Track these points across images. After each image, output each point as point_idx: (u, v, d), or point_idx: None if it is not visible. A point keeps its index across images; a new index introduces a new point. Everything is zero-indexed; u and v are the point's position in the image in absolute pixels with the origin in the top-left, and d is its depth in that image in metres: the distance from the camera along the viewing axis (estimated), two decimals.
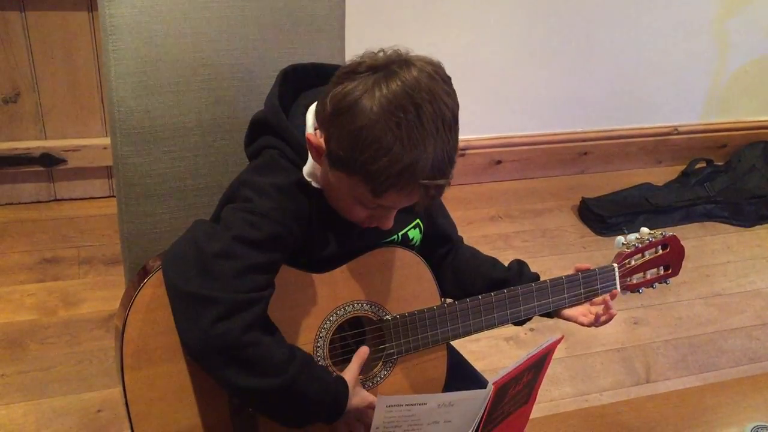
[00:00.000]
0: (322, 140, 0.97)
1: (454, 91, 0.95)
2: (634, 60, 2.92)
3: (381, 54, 0.94)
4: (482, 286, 1.19)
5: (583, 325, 1.19)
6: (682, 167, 3.11)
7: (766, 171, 3.06)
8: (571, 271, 1.21)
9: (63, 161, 2.37)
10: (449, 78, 0.95)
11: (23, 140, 2.33)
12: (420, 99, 0.90)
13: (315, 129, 1.00)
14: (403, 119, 0.89)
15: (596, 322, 1.18)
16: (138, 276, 1.04)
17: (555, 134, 2.96)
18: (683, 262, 1.31)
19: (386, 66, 0.92)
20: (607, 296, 1.19)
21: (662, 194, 2.89)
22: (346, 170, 0.94)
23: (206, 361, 0.93)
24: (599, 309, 1.19)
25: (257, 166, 1.03)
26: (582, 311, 1.20)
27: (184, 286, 0.92)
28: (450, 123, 0.92)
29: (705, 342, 2.25)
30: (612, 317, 1.18)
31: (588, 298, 1.20)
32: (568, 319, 1.20)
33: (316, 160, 1.00)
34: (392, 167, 0.90)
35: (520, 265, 1.22)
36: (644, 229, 1.27)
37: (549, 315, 1.21)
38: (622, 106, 3.01)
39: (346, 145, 0.92)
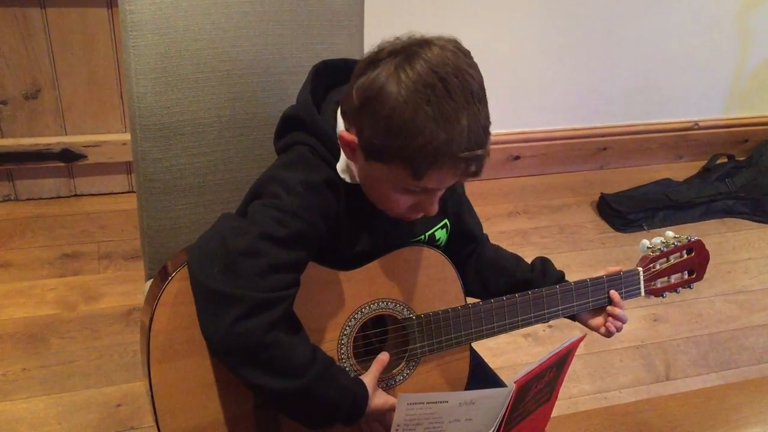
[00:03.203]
0: (354, 135, 0.96)
1: (476, 64, 0.94)
2: (654, 54, 2.89)
3: (398, 40, 0.93)
4: (505, 285, 1.18)
5: (603, 335, 1.19)
6: (702, 162, 3.08)
7: None
8: (595, 268, 1.20)
9: (83, 157, 2.39)
10: (469, 52, 0.94)
11: (43, 136, 2.35)
12: (445, 74, 0.89)
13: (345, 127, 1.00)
14: (432, 95, 0.88)
15: (609, 335, 1.18)
16: (159, 275, 1.04)
17: (574, 129, 2.94)
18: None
19: (406, 48, 0.92)
20: (609, 308, 1.18)
21: (682, 190, 2.86)
22: (383, 159, 0.93)
23: (227, 359, 0.92)
24: (609, 322, 1.18)
25: (287, 162, 1.02)
26: (602, 323, 1.19)
27: (208, 283, 0.91)
28: (478, 94, 0.91)
29: (726, 339, 2.23)
30: (620, 325, 1.17)
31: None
32: (590, 328, 1.20)
33: (350, 157, 0.99)
34: (429, 145, 0.89)
35: (543, 264, 1.21)
36: (669, 233, 1.25)
37: (573, 318, 1.21)
38: (642, 101, 2.99)
39: (379, 133, 0.91)
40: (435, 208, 1.00)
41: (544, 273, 1.20)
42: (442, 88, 0.88)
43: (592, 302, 1.17)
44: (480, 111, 0.91)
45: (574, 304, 1.16)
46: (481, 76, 0.93)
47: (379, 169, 0.95)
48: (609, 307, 1.18)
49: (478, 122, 0.91)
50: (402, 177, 0.94)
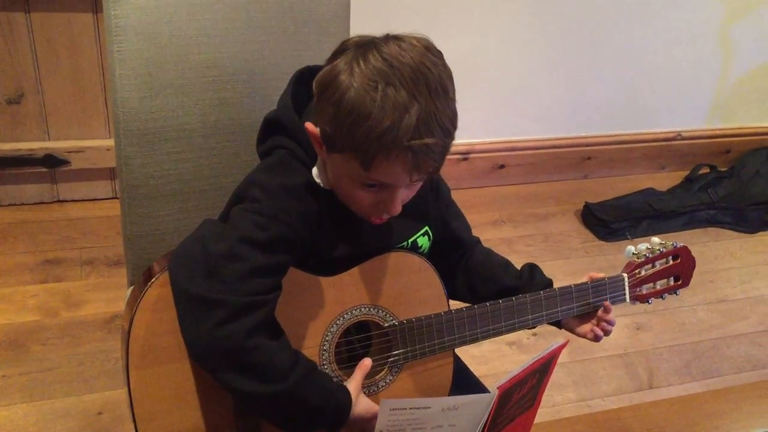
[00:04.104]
0: (317, 127, 0.96)
1: (445, 64, 0.93)
2: (638, 65, 2.92)
3: (369, 36, 0.94)
4: (493, 291, 1.17)
5: (591, 341, 1.19)
6: (685, 173, 3.11)
7: None
8: (580, 277, 1.20)
9: (66, 162, 2.37)
10: (440, 52, 0.94)
11: (27, 141, 2.33)
12: (399, 64, 0.89)
13: None
14: (381, 82, 0.88)
15: (598, 340, 1.18)
16: (143, 277, 1.03)
17: (559, 139, 2.96)
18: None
19: (370, 42, 0.92)
20: (600, 312, 1.18)
21: (666, 200, 2.88)
22: (337, 148, 0.93)
23: (208, 364, 0.92)
24: (597, 328, 1.18)
25: (267, 166, 1.02)
26: (589, 329, 1.19)
27: (189, 287, 0.91)
28: (437, 89, 0.90)
29: (708, 348, 2.25)
30: (609, 329, 1.18)
31: (598, 307, 1.19)
32: (578, 335, 1.20)
33: (319, 152, 0.99)
34: (374, 131, 0.87)
35: (531, 271, 1.20)
36: (655, 239, 1.25)
37: (558, 326, 1.21)
38: (626, 111, 3.01)
39: (330, 120, 0.91)
40: (397, 208, 0.98)
41: (531, 280, 1.19)
42: (392, 77, 0.88)
43: (576, 308, 1.17)
44: (436, 105, 0.89)
45: (558, 309, 1.16)
46: (449, 75, 0.93)
47: (336, 162, 0.96)
48: (600, 312, 1.17)
49: (432, 115, 0.89)
50: (354, 168, 0.93)
